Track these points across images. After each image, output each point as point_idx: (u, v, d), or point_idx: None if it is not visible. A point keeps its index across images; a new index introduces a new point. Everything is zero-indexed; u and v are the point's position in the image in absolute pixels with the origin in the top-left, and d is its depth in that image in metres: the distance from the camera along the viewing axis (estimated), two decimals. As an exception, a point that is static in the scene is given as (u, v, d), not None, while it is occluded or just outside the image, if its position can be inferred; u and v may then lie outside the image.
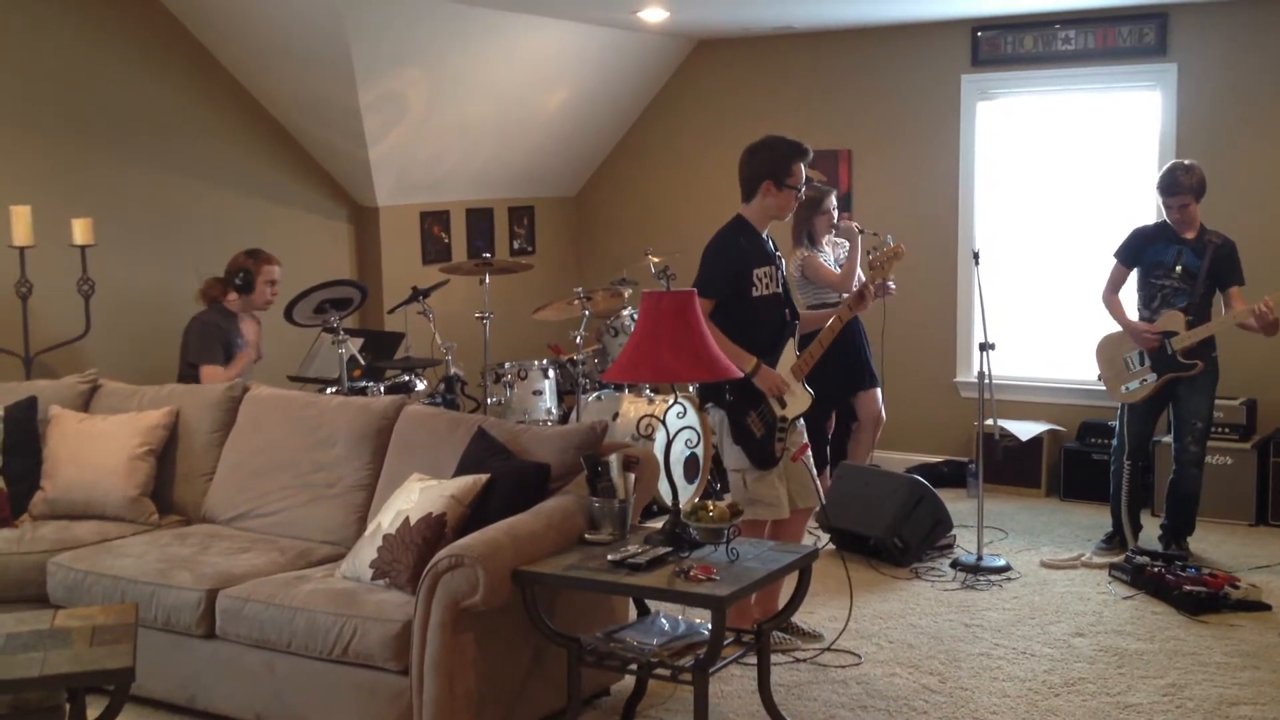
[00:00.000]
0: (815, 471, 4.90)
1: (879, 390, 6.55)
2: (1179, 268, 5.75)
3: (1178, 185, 5.67)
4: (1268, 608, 5.12)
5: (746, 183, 4.67)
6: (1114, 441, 6.06)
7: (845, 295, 6.19)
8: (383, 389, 6.10)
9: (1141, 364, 5.80)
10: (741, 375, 4.24)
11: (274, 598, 3.96)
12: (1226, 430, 6.51)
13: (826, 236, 6.43)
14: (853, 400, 6.53)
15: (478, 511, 4.00)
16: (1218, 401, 6.16)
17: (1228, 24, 6.80)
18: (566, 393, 7.10)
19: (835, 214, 6.41)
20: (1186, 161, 5.77)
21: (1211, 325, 5.70)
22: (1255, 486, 6.47)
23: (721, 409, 4.64)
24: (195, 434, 5.02)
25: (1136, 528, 5.99)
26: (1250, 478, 6.48)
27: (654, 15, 6.99)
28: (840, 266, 6.41)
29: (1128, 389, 5.84)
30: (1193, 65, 6.91)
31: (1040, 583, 5.57)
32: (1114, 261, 5.92)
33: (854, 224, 6.39)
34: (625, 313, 7.24)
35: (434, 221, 7.71)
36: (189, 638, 4.13)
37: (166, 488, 4.97)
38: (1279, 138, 6.74)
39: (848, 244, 6.48)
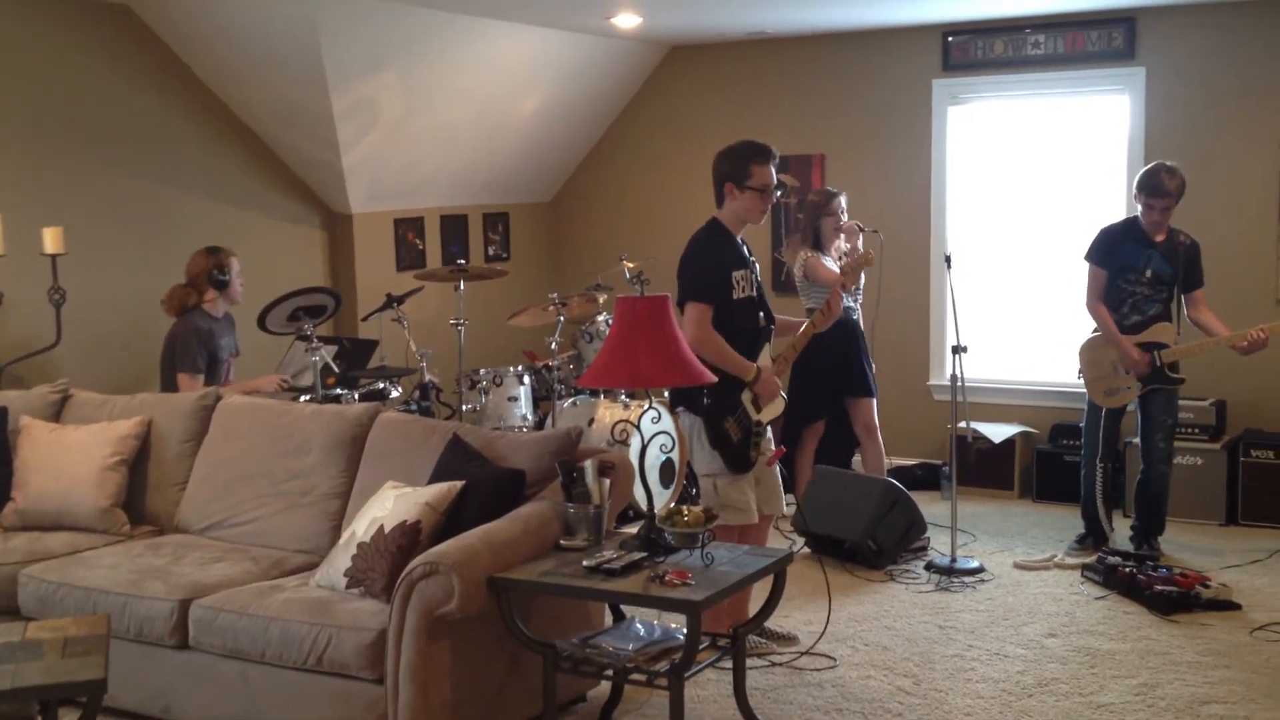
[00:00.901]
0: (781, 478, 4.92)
1: (874, 401, 6.57)
2: (1149, 272, 5.80)
3: (1163, 188, 5.69)
4: (1238, 607, 5.17)
5: (716, 185, 4.71)
6: (1083, 442, 6.10)
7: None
8: (357, 396, 6.09)
9: (1128, 372, 5.83)
10: (716, 380, 4.25)
11: (248, 607, 3.95)
12: (1196, 431, 6.57)
13: (835, 242, 6.41)
14: (848, 407, 6.55)
15: (453, 519, 4.00)
16: (1188, 403, 6.24)
17: (1195, 28, 6.87)
18: (542, 399, 7.11)
19: (843, 216, 6.39)
20: (1170, 164, 5.78)
21: (1205, 344, 5.73)
22: (1225, 487, 6.53)
23: (694, 414, 4.65)
24: (167, 443, 5.00)
25: (1110, 529, 6.03)
26: (1220, 478, 6.53)
27: (627, 21, 7.01)
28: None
29: (1111, 394, 5.87)
30: (1161, 69, 6.97)
31: (1013, 584, 5.61)
32: (1089, 266, 5.92)
33: (856, 222, 6.39)
34: (600, 318, 7.25)
35: (408, 228, 7.70)
36: (162, 648, 4.10)
37: (139, 498, 4.94)
38: (1246, 140, 6.81)
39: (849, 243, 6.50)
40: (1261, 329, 5.52)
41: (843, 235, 6.43)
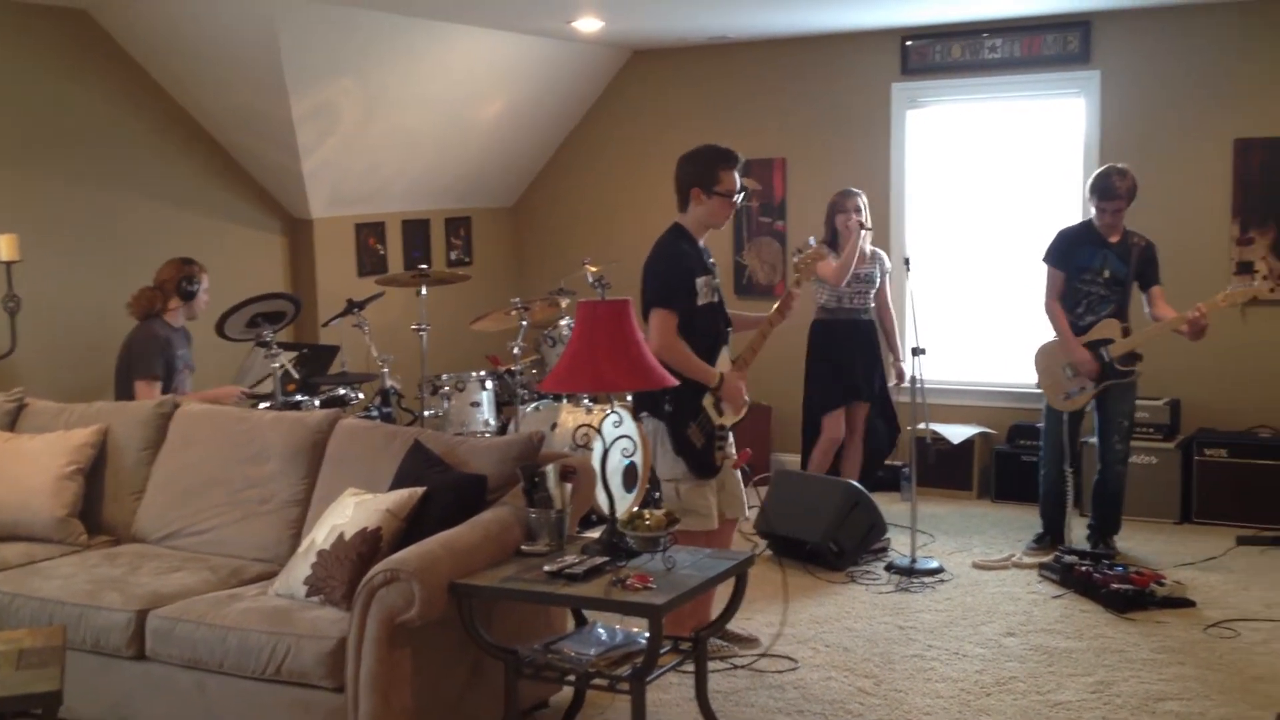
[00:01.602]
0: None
1: (867, 405, 6.63)
2: (1106, 273, 5.86)
3: (1114, 190, 5.78)
4: (1192, 604, 5.24)
5: (680, 190, 4.71)
6: (1042, 445, 6.16)
7: (845, 288, 6.40)
8: (318, 403, 6.06)
9: (1079, 372, 5.89)
10: (677, 383, 4.26)
11: (205, 617, 3.92)
12: (1151, 430, 6.65)
13: (853, 239, 6.39)
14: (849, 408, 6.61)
15: (414, 525, 3.99)
16: (1142, 402, 6.31)
17: (1149, 32, 6.96)
18: (505, 404, 7.09)
19: (857, 216, 6.37)
20: (1121, 166, 5.87)
21: (1147, 333, 5.81)
22: (1180, 485, 6.62)
23: (657, 419, 4.66)
24: (124, 452, 4.95)
25: (1067, 531, 6.08)
26: (1175, 477, 6.62)
27: (589, 25, 7.01)
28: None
29: (1068, 396, 5.93)
30: (1115, 72, 7.05)
31: (972, 584, 5.66)
32: (1047, 267, 6.00)
33: (859, 219, 6.39)
34: (563, 323, 7.24)
35: (369, 233, 7.68)
36: (119, 659, 4.06)
37: (95, 507, 4.90)
38: (1199, 142, 6.90)
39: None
40: (1198, 308, 5.57)
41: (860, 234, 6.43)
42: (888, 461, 7.08)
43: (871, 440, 6.74)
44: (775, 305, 4.91)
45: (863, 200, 6.44)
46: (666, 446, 4.67)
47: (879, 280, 6.55)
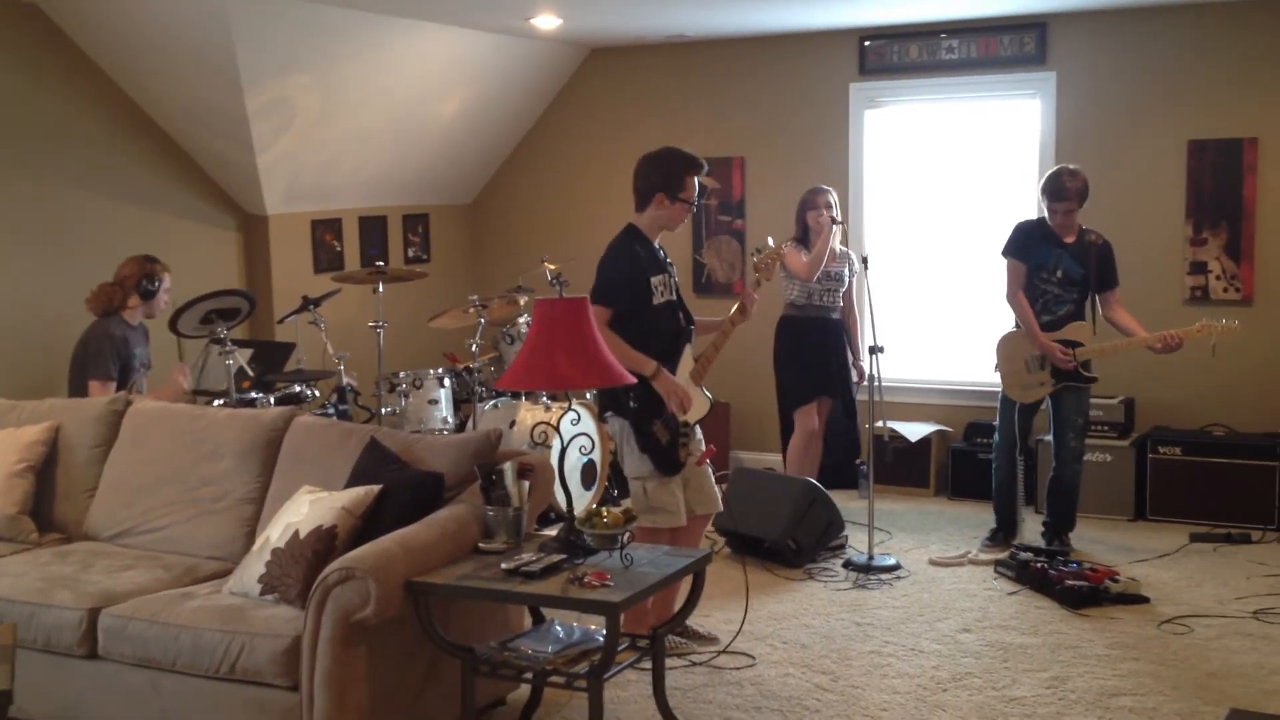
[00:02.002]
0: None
1: (831, 402, 6.63)
2: (1060, 273, 5.91)
3: (1064, 191, 5.82)
4: (1146, 600, 5.29)
5: (641, 192, 4.71)
6: (995, 438, 6.20)
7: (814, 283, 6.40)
8: (273, 400, 6.01)
9: (1041, 368, 5.94)
10: (635, 380, 4.26)
11: (158, 616, 3.88)
12: (1106, 428, 6.71)
13: (824, 234, 6.40)
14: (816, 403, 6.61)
15: (370, 523, 3.96)
16: (1097, 400, 6.37)
17: (1104, 34, 7.02)
18: (463, 401, 7.07)
19: (827, 212, 6.37)
20: (1072, 167, 5.93)
21: (1120, 345, 5.86)
22: (1134, 483, 6.68)
23: (622, 418, 4.66)
24: (76, 449, 4.89)
25: (1020, 523, 6.13)
26: (1129, 474, 6.68)
27: (547, 23, 6.99)
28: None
29: (1025, 390, 5.98)
30: (1071, 73, 7.12)
31: (929, 580, 5.69)
32: (1007, 260, 6.02)
33: (831, 215, 6.38)
34: (522, 320, 7.23)
35: (326, 229, 7.62)
36: (71, 658, 4.01)
37: (47, 505, 4.83)
38: (1153, 142, 6.97)
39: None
40: (1176, 335, 5.65)
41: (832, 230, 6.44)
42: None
43: (829, 435, 6.74)
44: (735, 306, 4.92)
45: (833, 197, 6.46)
46: (632, 445, 4.67)
47: (848, 280, 6.57)
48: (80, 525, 4.80)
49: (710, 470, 4.86)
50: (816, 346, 6.50)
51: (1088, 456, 6.24)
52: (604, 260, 4.67)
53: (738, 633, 4.87)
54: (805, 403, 6.52)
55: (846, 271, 6.55)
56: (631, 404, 4.58)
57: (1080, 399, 5.97)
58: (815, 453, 6.66)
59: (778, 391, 6.65)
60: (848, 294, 6.61)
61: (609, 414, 4.71)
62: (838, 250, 6.50)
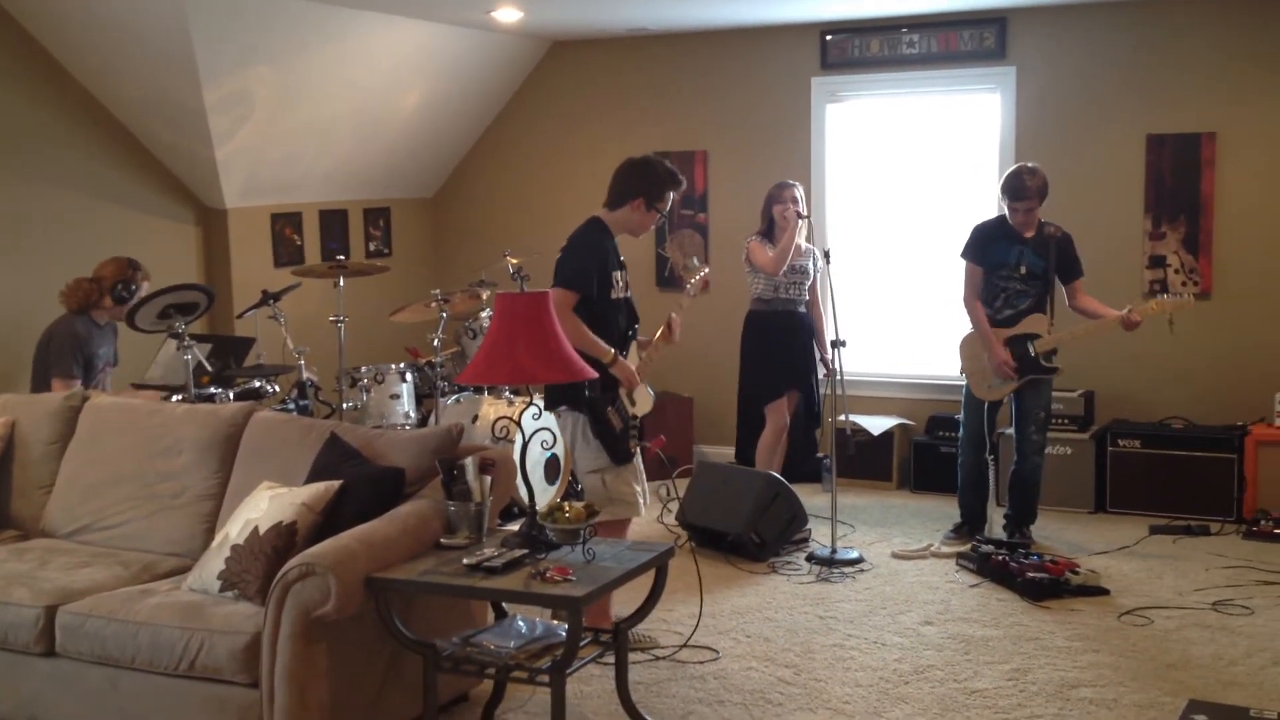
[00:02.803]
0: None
1: (795, 395, 6.62)
2: (1023, 268, 5.95)
3: (1024, 190, 5.85)
4: (1106, 592, 5.33)
5: (620, 192, 4.76)
6: (960, 433, 6.23)
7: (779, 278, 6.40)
8: (232, 396, 5.96)
9: (997, 373, 5.96)
10: (596, 375, 4.26)
11: (116, 613, 3.84)
12: (1066, 421, 6.76)
13: (790, 229, 6.39)
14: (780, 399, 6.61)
15: (330, 519, 3.93)
16: (1058, 394, 6.41)
17: (1063, 28, 7.07)
18: (425, 396, 7.03)
19: (794, 206, 6.36)
20: (1031, 165, 5.96)
21: (1076, 332, 5.91)
22: (1094, 475, 6.73)
23: (576, 411, 4.66)
24: (32, 445, 4.83)
25: (986, 517, 6.17)
26: (1089, 467, 6.74)
27: (508, 15, 6.96)
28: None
29: (991, 386, 6.01)
30: (1030, 68, 7.16)
31: (891, 573, 5.71)
32: (965, 263, 6.07)
33: (796, 209, 6.37)
34: (484, 314, 7.19)
35: (285, 223, 7.56)
36: (28, 656, 3.97)
37: (2, 501, 4.78)
38: (1112, 136, 7.02)
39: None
40: (1132, 312, 5.73)
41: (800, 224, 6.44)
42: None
43: (793, 430, 6.76)
44: (660, 329, 4.99)
45: (800, 192, 6.46)
46: (587, 437, 4.68)
47: (812, 274, 6.57)
48: (37, 522, 4.75)
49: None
50: (785, 340, 6.50)
51: (1048, 449, 6.29)
52: (574, 247, 4.69)
53: (694, 630, 4.82)
54: (776, 397, 6.52)
55: (811, 265, 6.55)
56: (587, 392, 4.59)
57: (1042, 392, 6.01)
58: (784, 447, 6.67)
59: (742, 386, 6.65)
60: (813, 287, 6.62)
61: (562, 408, 4.72)
62: (802, 245, 6.51)
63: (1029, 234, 5.96)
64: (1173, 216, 6.92)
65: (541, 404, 4.26)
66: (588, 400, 4.62)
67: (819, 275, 6.61)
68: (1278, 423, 6.47)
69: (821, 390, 6.62)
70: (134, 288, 5.65)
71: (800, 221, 6.34)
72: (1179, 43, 6.86)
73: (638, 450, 4.76)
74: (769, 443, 6.52)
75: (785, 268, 6.37)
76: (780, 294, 6.47)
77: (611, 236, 4.77)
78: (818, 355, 6.65)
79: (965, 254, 6.07)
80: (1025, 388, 5.98)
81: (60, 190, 6.40)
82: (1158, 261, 6.95)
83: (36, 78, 6.28)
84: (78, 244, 5.92)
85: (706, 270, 5.19)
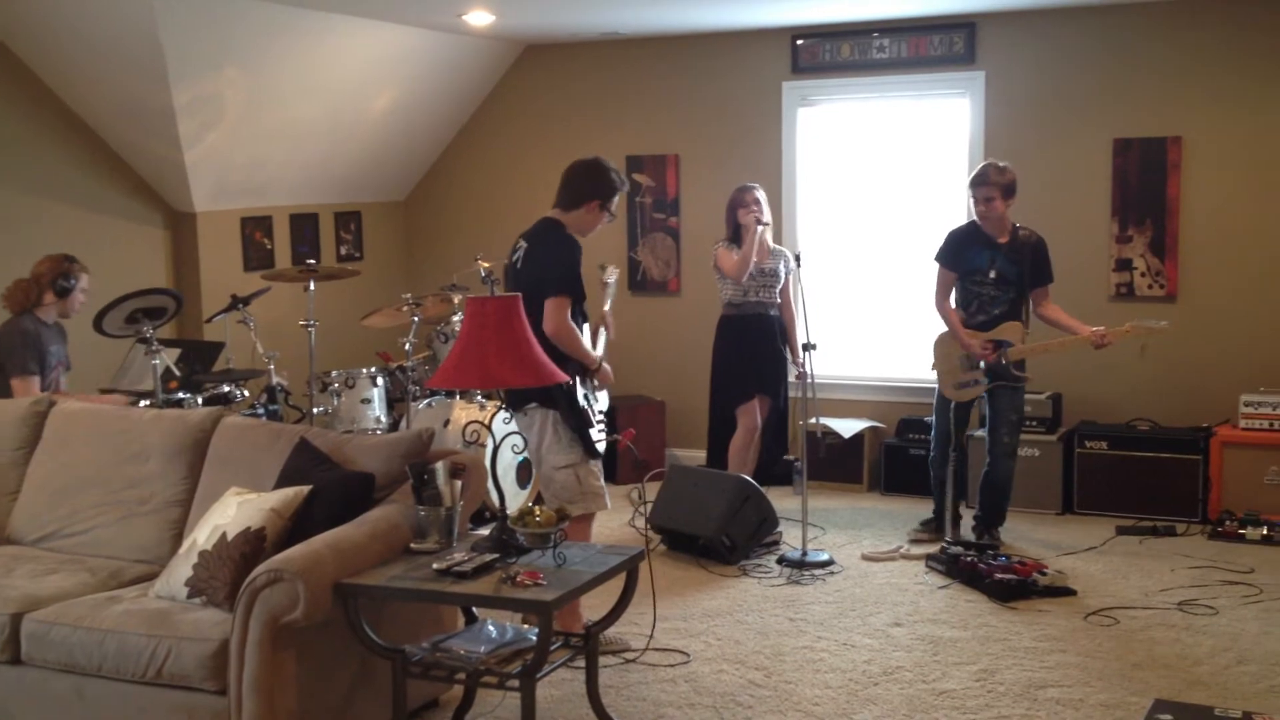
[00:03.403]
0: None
1: (766, 399, 6.63)
2: (993, 273, 5.99)
3: (985, 178, 5.91)
4: (1073, 593, 5.37)
5: (575, 194, 4.80)
6: (933, 434, 6.27)
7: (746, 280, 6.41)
8: (200, 401, 5.93)
9: (975, 366, 6.01)
10: (567, 379, 4.29)
11: (83, 620, 3.81)
12: (1034, 423, 6.80)
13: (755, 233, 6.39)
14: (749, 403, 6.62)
15: (299, 524, 3.92)
16: (1026, 396, 6.44)
17: (1032, 34, 7.12)
18: (397, 400, 7.01)
19: (755, 209, 6.35)
20: (1001, 163, 6.01)
21: (1050, 345, 5.96)
22: (1061, 477, 6.78)
23: (547, 408, 4.67)
24: (-2, 451, 4.80)
25: (956, 518, 6.20)
26: (1057, 469, 6.79)
27: (480, 19, 6.95)
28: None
29: (960, 389, 6.05)
30: (999, 72, 7.21)
31: (861, 575, 5.74)
32: (938, 267, 6.11)
33: (755, 215, 6.35)
34: (456, 318, 7.17)
35: (255, 227, 7.52)
36: (-7, 665, 3.94)
37: (-33, 509, 4.73)
38: (1080, 141, 7.08)
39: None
40: (1104, 334, 5.77)
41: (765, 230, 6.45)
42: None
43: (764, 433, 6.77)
44: (600, 329, 5.11)
45: (760, 194, 6.47)
46: (560, 432, 4.69)
47: (784, 276, 6.57)
48: (3, 529, 4.70)
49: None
50: (757, 343, 6.51)
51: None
52: (559, 252, 4.72)
53: (650, 635, 4.75)
54: (748, 400, 6.53)
55: (782, 268, 6.56)
56: (564, 385, 4.61)
57: (1014, 397, 6.05)
58: (756, 450, 6.68)
59: (713, 389, 6.67)
60: (785, 290, 6.63)
61: (532, 405, 4.71)
62: (771, 247, 6.52)
63: (1003, 239, 5.99)
64: (1139, 220, 6.97)
65: (505, 403, 4.27)
66: (565, 393, 4.64)
67: (790, 277, 6.63)
68: (1242, 424, 6.53)
69: (791, 393, 6.64)
70: (73, 280, 5.61)
71: (759, 228, 6.35)
72: (1145, 48, 6.93)
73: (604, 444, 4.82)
74: (740, 445, 6.53)
75: (753, 271, 6.38)
76: (750, 297, 6.48)
77: None
78: (789, 357, 6.67)
79: (938, 258, 6.11)
80: (997, 393, 6.02)
81: (26, 194, 6.35)
82: (1124, 264, 7.01)
83: (2, 80, 6.23)
84: (45, 247, 5.86)
85: (615, 271, 5.34)
